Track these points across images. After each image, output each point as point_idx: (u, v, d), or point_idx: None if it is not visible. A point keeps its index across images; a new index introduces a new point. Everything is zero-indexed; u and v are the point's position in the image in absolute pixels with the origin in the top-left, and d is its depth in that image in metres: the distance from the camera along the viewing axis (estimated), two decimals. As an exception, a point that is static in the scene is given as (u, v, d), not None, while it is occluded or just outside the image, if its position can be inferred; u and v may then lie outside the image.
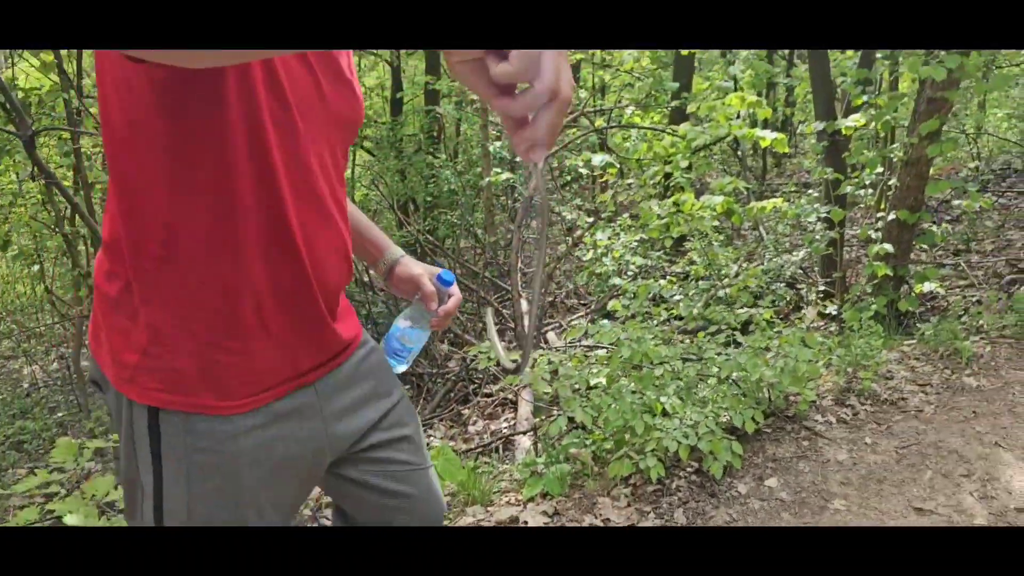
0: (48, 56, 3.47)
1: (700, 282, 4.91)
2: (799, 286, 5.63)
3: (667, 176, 4.85)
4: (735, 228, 7.20)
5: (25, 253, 5.08)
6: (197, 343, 0.93)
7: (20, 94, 3.71)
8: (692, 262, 5.10)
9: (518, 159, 6.97)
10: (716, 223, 4.70)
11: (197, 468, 0.95)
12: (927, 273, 4.33)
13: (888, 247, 4.16)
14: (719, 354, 3.29)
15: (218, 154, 0.86)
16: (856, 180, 4.49)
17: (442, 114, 8.75)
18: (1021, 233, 6.67)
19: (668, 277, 4.86)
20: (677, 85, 5.93)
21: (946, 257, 6.24)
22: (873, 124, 4.41)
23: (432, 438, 3.93)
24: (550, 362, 3.36)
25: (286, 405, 1.01)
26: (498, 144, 6.85)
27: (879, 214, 4.60)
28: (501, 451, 3.60)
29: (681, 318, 4.41)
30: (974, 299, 4.95)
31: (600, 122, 5.63)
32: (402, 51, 9.35)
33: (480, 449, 3.66)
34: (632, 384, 3.03)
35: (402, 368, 1.31)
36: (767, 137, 4.11)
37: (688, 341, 3.92)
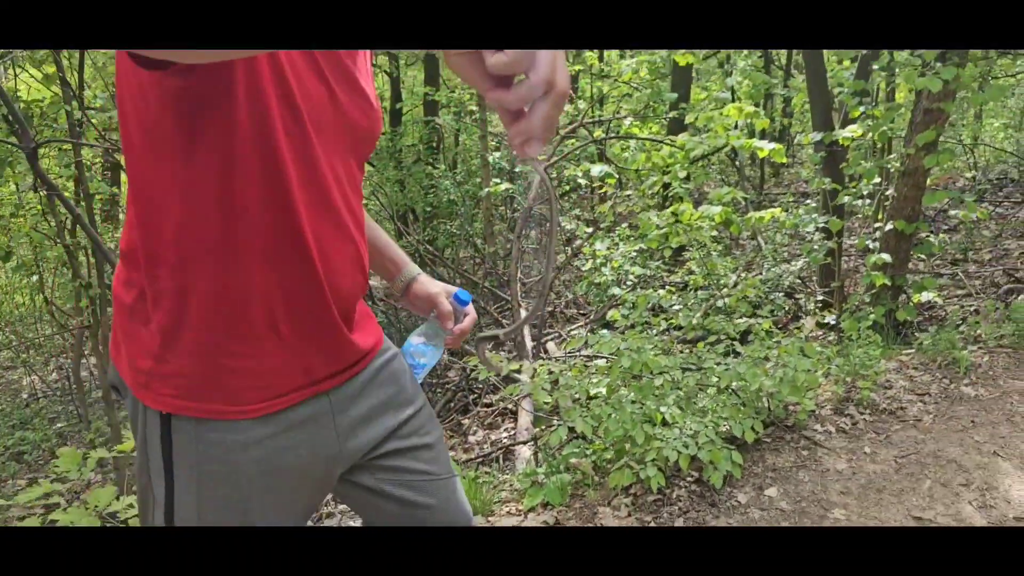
0: (50, 68, 3.49)
1: (699, 292, 4.93)
2: (797, 296, 5.65)
3: (665, 186, 4.87)
4: (733, 238, 7.23)
5: (27, 264, 5.09)
6: (207, 349, 0.94)
7: (22, 106, 3.72)
8: (691, 272, 5.12)
9: (517, 169, 7.00)
10: (715, 233, 4.72)
11: (207, 477, 0.96)
12: (925, 283, 4.34)
13: (886, 257, 4.18)
14: (718, 364, 3.30)
15: (228, 163, 0.88)
16: (854, 190, 4.51)
17: (441, 125, 8.80)
18: (1018, 243, 6.69)
19: (667, 287, 4.87)
20: (675, 96, 5.96)
21: (944, 267, 6.26)
22: (870, 135, 4.44)
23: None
24: (550, 372, 3.37)
25: (299, 414, 1.01)
26: (497, 155, 6.89)
27: (877, 224, 4.62)
28: (501, 461, 3.61)
29: (680, 328, 4.42)
30: (972, 308, 4.97)
31: (599, 133, 5.66)
32: (401, 62, 9.39)
33: (480, 459, 3.67)
34: (632, 394, 3.04)
35: None
36: (765, 147, 4.13)
37: (687, 351, 3.94)
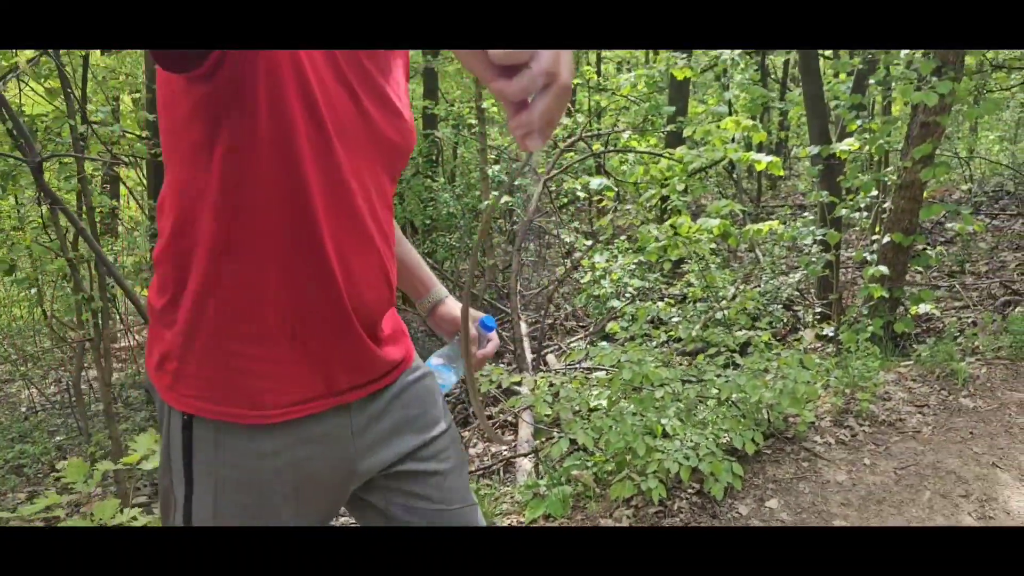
0: (55, 82, 3.52)
1: (698, 304, 4.95)
2: (796, 308, 5.67)
3: (664, 199, 4.90)
4: (731, 250, 7.27)
5: (30, 278, 5.10)
6: (225, 350, 0.96)
7: (26, 120, 3.75)
8: (690, 284, 5.14)
9: (516, 183, 7.04)
10: (713, 245, 4.75)
11: (224, 482, 0.97)
12: (922, 295, 4.37)
13: (884, 269, 4.21)
14: (718, 376, 3.32)
15: (248, 169, 0.90)
16: (851, 203, 4.55)
17: (440, 138, 8.83)
18: (1014, 255, 6.73)
19: (666, 299, 4.89)
20: (673, 109, 6.00)
21: (941, 279, 6.29)
22: (867, 148, 4.47)
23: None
24: (551, 384, 3.38)
25: (318, 428, 1.01)
26: (496, 168, 6.92)
27: (874, 236, 4.65)
28: (502, 473, 3.62)
29: (680, 340, 4.44)
30: (969, 320, 4.99)
31: (598, 146, 5.69)
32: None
33: (481, 472, 3.67)
34: (633, 406, 3.05)
35: None
36: (762, 160, 4.16)
37: (687, 363, 3.95)
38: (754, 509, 2.77)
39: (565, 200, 7.94)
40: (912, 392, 3.72)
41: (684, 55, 5.32)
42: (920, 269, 5.97)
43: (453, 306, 1.31)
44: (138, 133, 5.53)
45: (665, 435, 2.92)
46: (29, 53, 3.08)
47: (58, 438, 5.45)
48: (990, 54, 7.04)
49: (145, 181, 6.02)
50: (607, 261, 5.22)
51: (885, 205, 4.57)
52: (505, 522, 2.85)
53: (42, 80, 3.91)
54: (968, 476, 2.86)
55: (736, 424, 3.00)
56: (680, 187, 4.68)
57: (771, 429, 3.25)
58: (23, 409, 6.45)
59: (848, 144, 4.35)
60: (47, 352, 7.36)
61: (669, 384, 3.23)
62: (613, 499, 2.80)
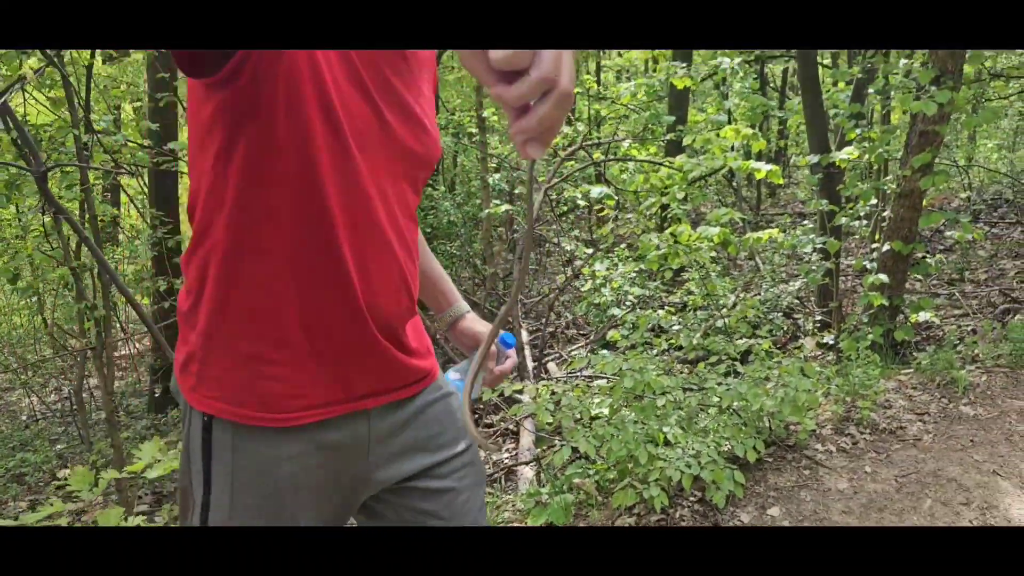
0: (59, 92, 3.54)
1: (698, 312, 4.96)
2: (796, 316, 5.69)
3: (664, 207, 4.92)
4: (732, 259, 7.28)
5: (33, 287, 5.11)
6: (243, 352, 0.97)
7: (30, 130, 3.77)
8: (690, 292, 5.16)
9: (516, 191, 7.05)
10: (713, 254, 4.76)
11: (240, 485, 0.98)
12: (922, 303, 4.39)
13: (883, 277, 4.22)
14: (719, 384, 3.33)
15: (265, 173, 0.92)
16: (851, 211, 4.56)
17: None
18: (1014, 263, 6.75)
19: (667, 307, 4.91)
20: (673, 118, 6.03)
21: (940, 287, 6.31)
22: (866, 157, 4.49)
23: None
24: (553, 393, 3.39)
25: (336, 433, 1.02)
26: (497, 176, 6.94)
27: (874, 245, 4.67)
28: (503, 482, 3.62)
29: (680, 348, 4.45)
30: (969, 328, 5.01)
31: (598, 154, 5.72)
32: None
33: (483, 479, 3.67)
34: (634, 414, 3.06)
35: None
36: (762, 168, 4.18)
37: (688, 371, 3.96)
38: (756, 517, 2.77)
39: (565, 208, 7.96)
40: (913, 400, 3.73)
41: (684, 64, 5.35)
42: (920, 277, 5.98)
43: (474, 321, 1.32)
44: (140, 142, 5.55)
45: (667, 443, 2.93)
46: (35, 63, 3.10)
47: (59, 446, 5.45)
48: (988, 63, 7.07)
49: (146, 189, 6.04)
50: (608, 269, 5.24)
51: (884, 213, 4.59)
52: (507, 530, 2.86)
53: (45, 90, 3.94)
54: (969, 484, 2.87)
55: (737, 432, 3.00)
56: (680, 195, 4.69)
57: (772, 437, 3.26)
58: (24, 417, 6.45)
59: (847, 153, 4.38)
60: (47, 361, 7.37)
61: (671, 392, 3.24)
62: (615, 507, 2.81)
